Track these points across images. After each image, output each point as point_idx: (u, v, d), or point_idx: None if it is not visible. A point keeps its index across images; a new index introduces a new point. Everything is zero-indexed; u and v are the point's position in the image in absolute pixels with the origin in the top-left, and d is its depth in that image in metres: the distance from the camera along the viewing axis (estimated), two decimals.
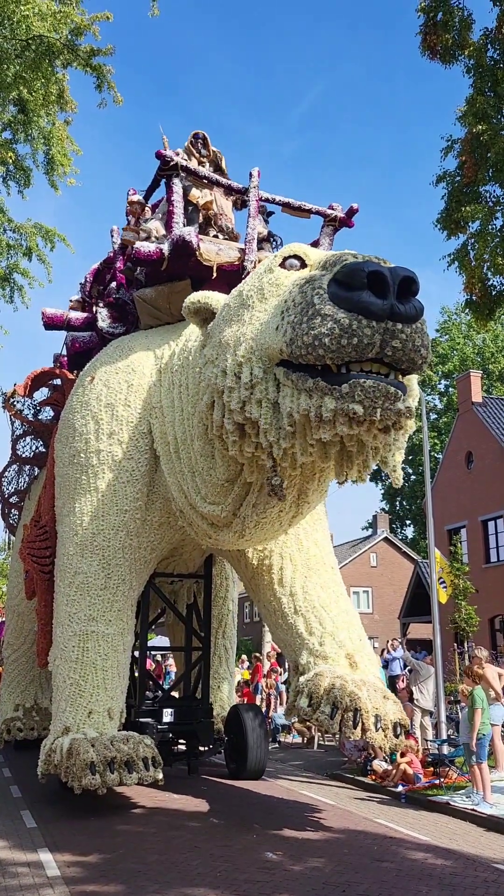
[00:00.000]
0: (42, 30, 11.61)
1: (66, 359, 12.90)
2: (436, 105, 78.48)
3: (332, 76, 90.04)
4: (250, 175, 10.45)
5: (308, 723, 8.76)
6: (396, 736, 7.84)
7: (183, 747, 11.43)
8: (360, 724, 7.60)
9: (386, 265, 5.95)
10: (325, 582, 9.46)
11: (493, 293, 12.88)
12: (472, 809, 8.91)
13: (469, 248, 12.92)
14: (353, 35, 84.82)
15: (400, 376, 6.20)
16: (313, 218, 10.89)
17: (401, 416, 6.10)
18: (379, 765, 11.09)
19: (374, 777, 11.02)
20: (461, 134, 13.11)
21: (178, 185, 10.20)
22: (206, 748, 11.35)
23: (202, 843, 7.57)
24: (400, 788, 10.17)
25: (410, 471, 48.54)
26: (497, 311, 13.55)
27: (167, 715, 10.61)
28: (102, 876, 6.44)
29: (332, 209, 10.83)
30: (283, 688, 17.60)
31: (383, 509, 48.83)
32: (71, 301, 12.87)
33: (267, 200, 10.63)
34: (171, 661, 21.82)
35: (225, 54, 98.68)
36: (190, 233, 9.87)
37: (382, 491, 50.62)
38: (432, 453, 39.06)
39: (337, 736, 13.11)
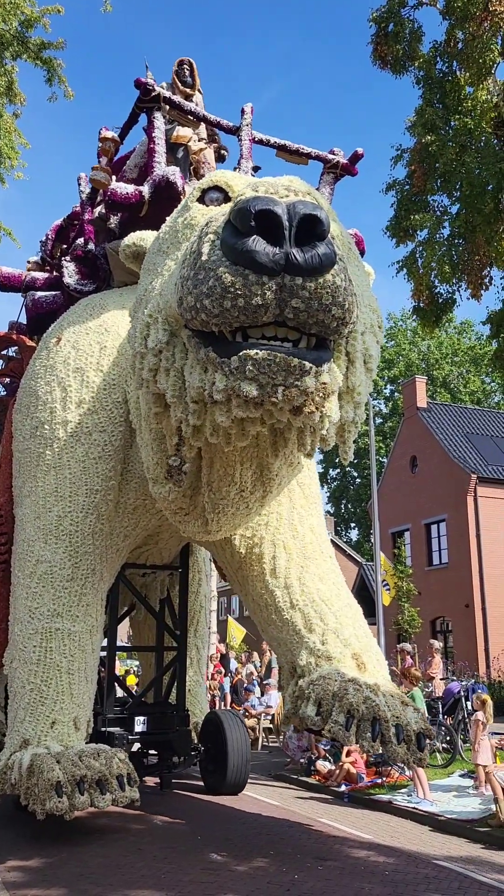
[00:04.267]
0: None
1: (24, 325, 11.37)
2: (388, 112, 79.72)
3: (288, 79, 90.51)
4: (242, 112, 9.34)
5: (315, 734, 7.55)
6: (421, 749, 6.48)
7: (154, 759, 10.38)
8: (379, 736, 6.41)
9: (285, 200, 4.76)
10: (324, 573, 8.32)
11: (440, 300, 13.17)
12: (414, 807, 9.06)
13: (417, 255, 13.18)
14: (309, 38, 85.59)
15: (312, 342, 5.13)
16: (312, 165, 9.81)
17: (309, 395, 5.05)
18: (322, 765, 11.19)
19: (317, 777, 11.11)
20: (411, 143, 13.37)
21: (159, 120, 9.03)
22: (180, 760, 10.15)
23: (145, 845, 7.52)
24: (343, 788, 10.27)
25: (356, 474, 49.24)
26: (443, 318, 13.86)
27: (139, 724, 9.46)
28: (44, 880, 6.34)
29: (334, 154, 9.69)
30: (227, 689, 17.63)
31: (328, 512, 49.38)
32: (29, 262, 11.60)
33: (260, 142, 9.52)
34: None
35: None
36: (174, 173, 8.74)
37: (328, 493, 51.18)
38: (378, 457, 39.60)
39: (283, 738, 13.11)
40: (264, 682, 15.52)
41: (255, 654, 19.06)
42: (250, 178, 5.80)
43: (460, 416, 31.34)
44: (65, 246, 10.91)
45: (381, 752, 6.55)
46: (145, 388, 6.09)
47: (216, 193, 5.84)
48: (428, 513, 28.68)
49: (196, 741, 10.47)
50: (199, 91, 10.05)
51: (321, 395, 5.12)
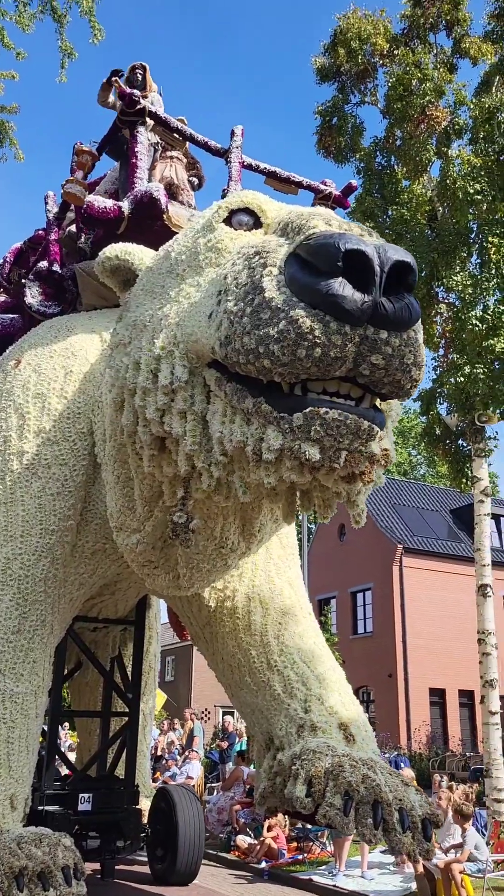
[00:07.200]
0: None
1: None
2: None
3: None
4: (232, 133, 8.77)
5: (303, 819, 6.54)
6: (427, 838, 5.64)
7: (95, 841, 8.90)
8: (381, 822, 5.44)
9: (371, 240, 4.08)
10: (304, 631, 7.42)
11: None
12: (334, 886, 8.95)
13: None
14: (255, 122, 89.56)
15: (376, 401, 4.51)
16: (301, 194, 9.21)
17: (373, 462, 4.43)
18: (243, 840, 10.94)
19: (236, 853, 10.85)
20: None
21: (142, 135, 8.47)
22: (126, 844, 8.74)
23: None
24: (263, 865, 10.06)
25: None
26: None
27: (83, 801, 8.29)
28: None
29: (326, 185, 9.22)
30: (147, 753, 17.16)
31: None
32: None
33: (249, 167, 8.87)
34: None
35: None
36: (158, 189, 8.15)
37: None
38: (307, 524, 39.97)
39: (202, 811, 12.75)
40: (187, 751, 15.21)
41: (176, 722, 18.69)
42: (284, 204, 5.20)
43: (387, 488, 32.10)
44: (23, 271, 10.17)
45: (380, 840, 5.44)
46: (143, 428, 5.35)
47: (246, 217, 5.13)
48: (355, 581, 29.02)
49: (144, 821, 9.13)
50: (158, 94, 9.35)
51: (382, 462, 4.56)
